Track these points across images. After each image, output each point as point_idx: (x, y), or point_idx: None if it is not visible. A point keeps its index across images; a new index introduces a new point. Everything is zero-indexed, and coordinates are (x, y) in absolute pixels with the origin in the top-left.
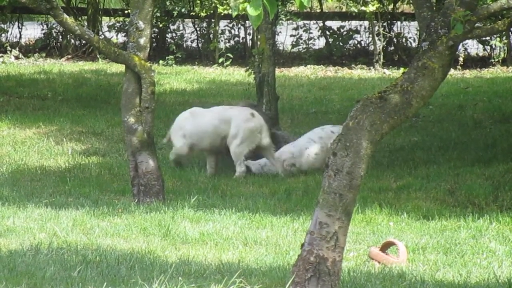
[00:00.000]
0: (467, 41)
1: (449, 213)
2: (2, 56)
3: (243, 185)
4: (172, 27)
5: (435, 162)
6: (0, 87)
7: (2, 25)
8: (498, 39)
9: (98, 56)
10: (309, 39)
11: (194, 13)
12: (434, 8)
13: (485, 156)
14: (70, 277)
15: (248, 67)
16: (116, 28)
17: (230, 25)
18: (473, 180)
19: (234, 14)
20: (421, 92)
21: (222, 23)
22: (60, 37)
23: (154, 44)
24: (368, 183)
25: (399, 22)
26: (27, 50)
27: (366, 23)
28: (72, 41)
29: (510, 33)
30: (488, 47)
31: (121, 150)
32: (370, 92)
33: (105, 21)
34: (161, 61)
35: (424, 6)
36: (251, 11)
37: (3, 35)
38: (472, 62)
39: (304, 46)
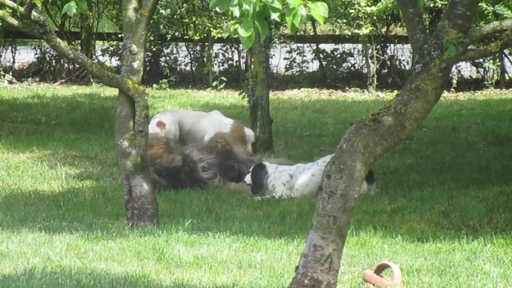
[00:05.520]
0: (460, 63)
1: (444, 235)
2: None
3: (237, 208)
4: (165, 51)
5: (429, 185)
6: None
7: None
8: (491, 61)
9: (91, 80)
10: (303, 62)
11: (187, 37)
12: (427, 31)
13: (479, 178)
14: None
15: (241, 90)
16: (109, 52)
17: (224, 49)
18: (467, 202)
19: (226, 35)
20: (414, 114)
21: (216, 47)
22: (54, 61)
23: (147, 68)
24: (362, 206)
25: (392, 45)
26: (20, 75)
27: (360, 46)
28: (66, 65)
29: (503, 55)
30: (482, 69)
31: (115, 174)
32: (363, 115)
33: (99, 45)
34: (154, 85)
35: (417, 28)
36: (242, 32)
37: None
38: (466, 84)
39: (298, 69)
